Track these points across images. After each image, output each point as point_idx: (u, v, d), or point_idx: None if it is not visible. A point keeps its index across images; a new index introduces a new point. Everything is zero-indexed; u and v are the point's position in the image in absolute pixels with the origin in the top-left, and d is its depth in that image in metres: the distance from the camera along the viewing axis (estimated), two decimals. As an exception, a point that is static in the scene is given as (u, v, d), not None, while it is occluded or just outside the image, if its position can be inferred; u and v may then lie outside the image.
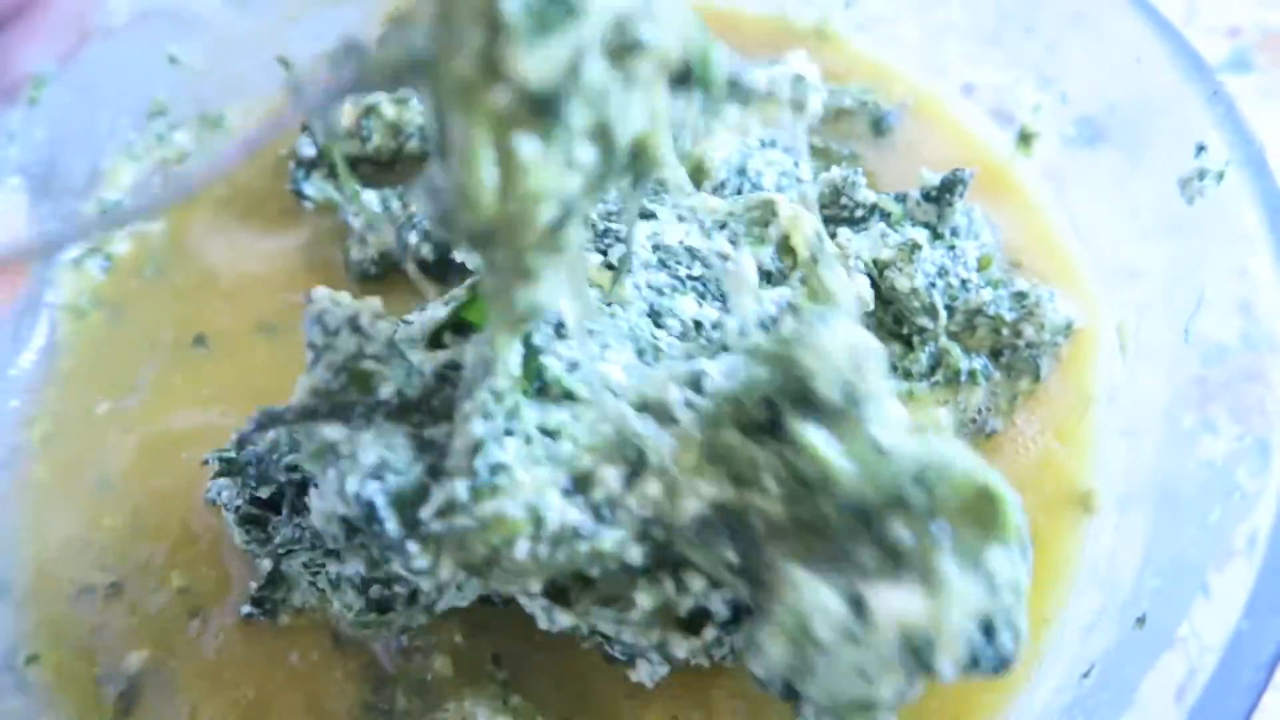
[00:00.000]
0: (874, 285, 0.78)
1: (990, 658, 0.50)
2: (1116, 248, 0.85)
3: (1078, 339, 0.82)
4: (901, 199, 0.82)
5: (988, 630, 0.50)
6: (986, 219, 0.85)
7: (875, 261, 0.79)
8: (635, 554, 0.56)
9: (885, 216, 0.82)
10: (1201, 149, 0.74)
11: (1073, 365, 0.82)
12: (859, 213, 0.82)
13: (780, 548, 0.54)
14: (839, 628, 0.50)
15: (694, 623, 0.60)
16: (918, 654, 0.50)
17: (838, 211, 0.82)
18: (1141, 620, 0.63)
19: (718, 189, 0.83)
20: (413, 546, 0.56)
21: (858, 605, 0.50)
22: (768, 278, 0.71)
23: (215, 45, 1.01)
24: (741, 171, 0.83)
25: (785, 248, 0.72)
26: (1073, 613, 0.71)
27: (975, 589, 0.50)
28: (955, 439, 0.55)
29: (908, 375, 0.78)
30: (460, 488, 0.55)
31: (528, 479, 0.56)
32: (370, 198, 0.89)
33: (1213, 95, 0.73)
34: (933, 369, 0.78)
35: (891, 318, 0.80)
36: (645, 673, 0.63)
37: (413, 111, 0.93)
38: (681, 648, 0.60)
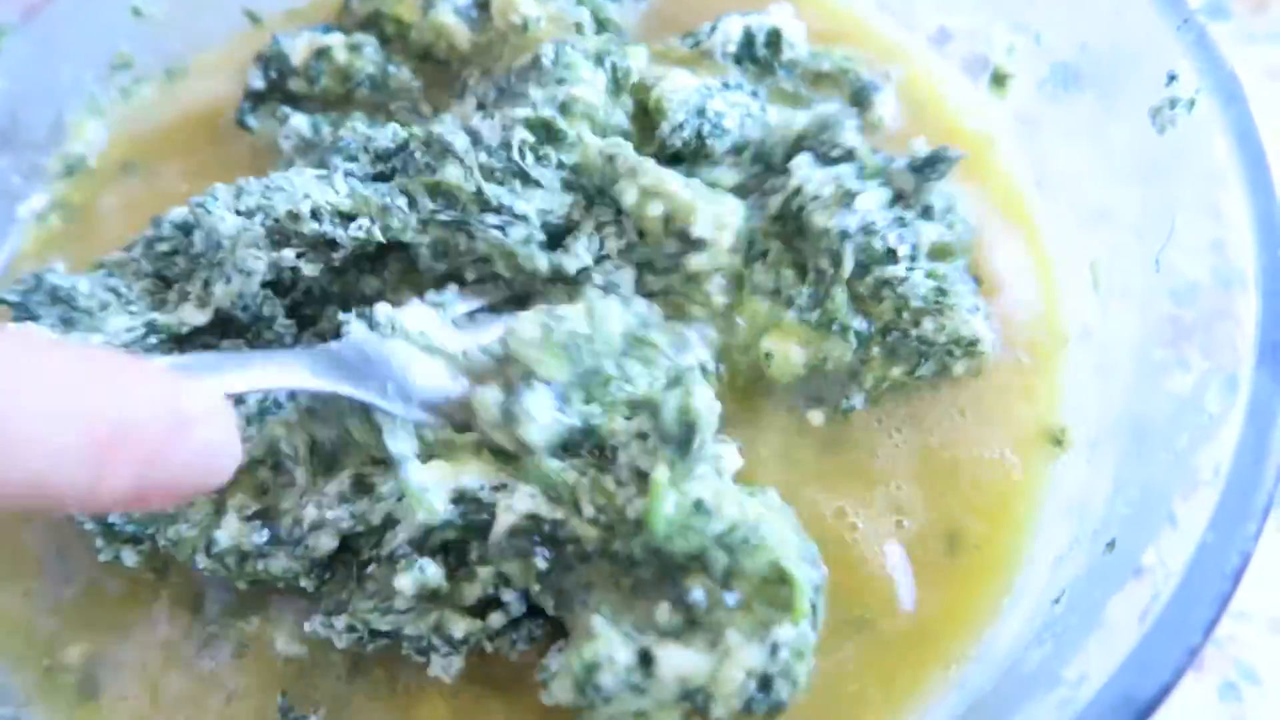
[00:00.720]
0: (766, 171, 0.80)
1: (762, 706, 0.56)
2: (1090, 189, 0.84)
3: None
4: (887, 159, 0.79)
5: (765, 684, 0.56)
6: (966, 214, 0.81)
7: (799, 191, 0.77)
8: (308, 582, 0.68)
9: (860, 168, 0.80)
10: (1173, 78, 0.73)
11: (1046, 303, 0.81)
12: (835, 152, 0.80)
13: (587, 575, 0.59)
14: (624, 680, 0.56)
15: (481, 610, 0.65)
16: (694, 702, 0.55)
17: (816, 144, 0.80)
18: (1111, 545, 0.63)
19: (675, 130, 0.81)
20: (100, 541, 0.70)
21: (646, 660, 0.56)
22: None
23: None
24: (701, 112, 0.82)
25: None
26: (1045, 546, 0.71)
27: (758, 654, 0.55)
28: (782, 513, 0.61)
29: (788, 303, 0.75)
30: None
31: (203, 502, 0.68)
32: (300, 121, 0.88)
33: (1183, 24, 0.72)
34: (813, 307, 0.75)
35: (802, 251, 0.77)
36: (439, 666, 0.66)
37: (365, 60, 0.92)
38: (459, 628, 0.65)
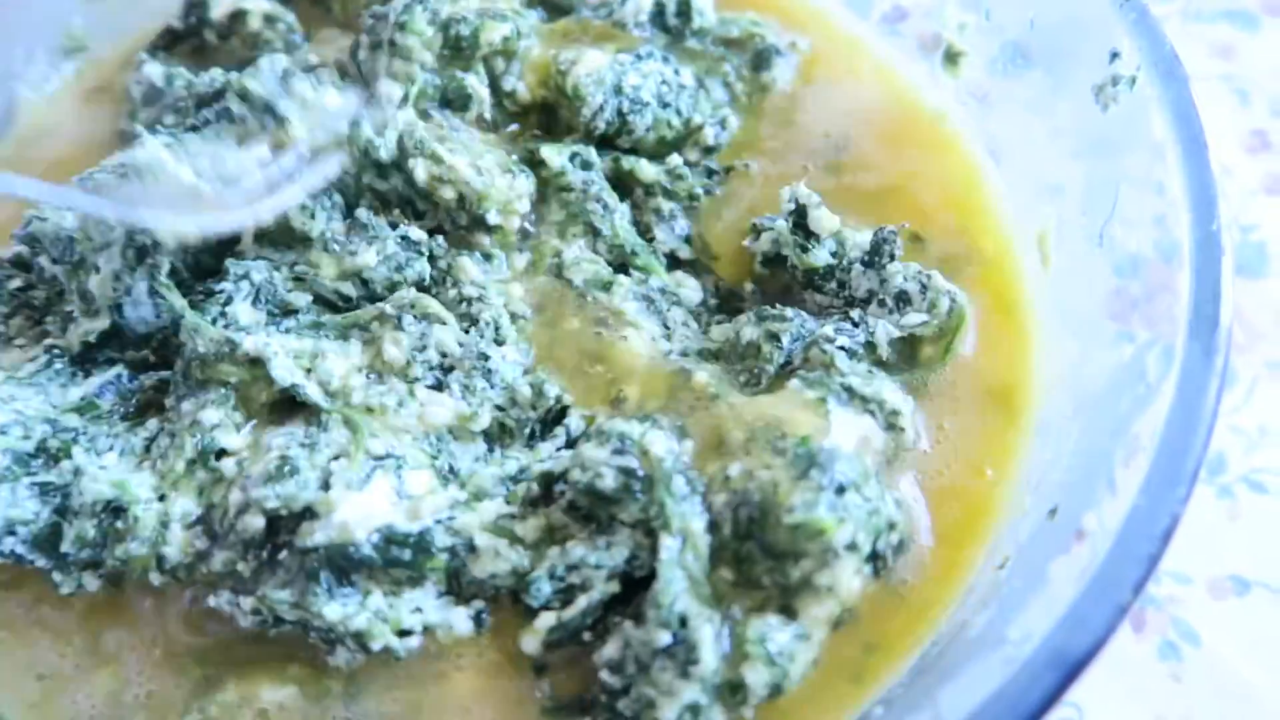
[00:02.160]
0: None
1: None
2: (1039, 165, 0.85)
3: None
4: (843, 269, 0.78)
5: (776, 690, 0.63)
6: (948, 287, 0.77)
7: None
8: (245, 566, 0.68)
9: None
10: (1115, 55, 0.75)
11: (995, 278, 0.83)
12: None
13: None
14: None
15: None
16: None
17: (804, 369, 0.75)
18: (1053, 512, 0.65)
19: (596, 113, 0.83)
20: (58, 576, 0.69)
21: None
22: None
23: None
24: (618, 90, 0.83)
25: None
26: (996, 517, 0.72)
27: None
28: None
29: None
30: (88, 527, 0.68)
31: (151, 518, 0.69)
32: (154, 70, 0.91)
33: (1125, 3, 0.74)
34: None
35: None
36: (343, 657, 0.67)
37: (275, 34, 0.94)
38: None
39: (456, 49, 0.83)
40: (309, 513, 0.66)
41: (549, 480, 0.69)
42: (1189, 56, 0.75)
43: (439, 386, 0.73)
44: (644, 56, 0.86)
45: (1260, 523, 0.86)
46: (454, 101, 0.84)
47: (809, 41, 0.94)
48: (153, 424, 0.73)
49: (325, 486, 0.66)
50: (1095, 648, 0.50)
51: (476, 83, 0.84)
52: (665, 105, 0.85)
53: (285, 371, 0.70)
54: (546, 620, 0.64)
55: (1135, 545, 0.53)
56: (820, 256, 0.77)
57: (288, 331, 0.74)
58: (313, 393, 0.70)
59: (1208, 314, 0.61)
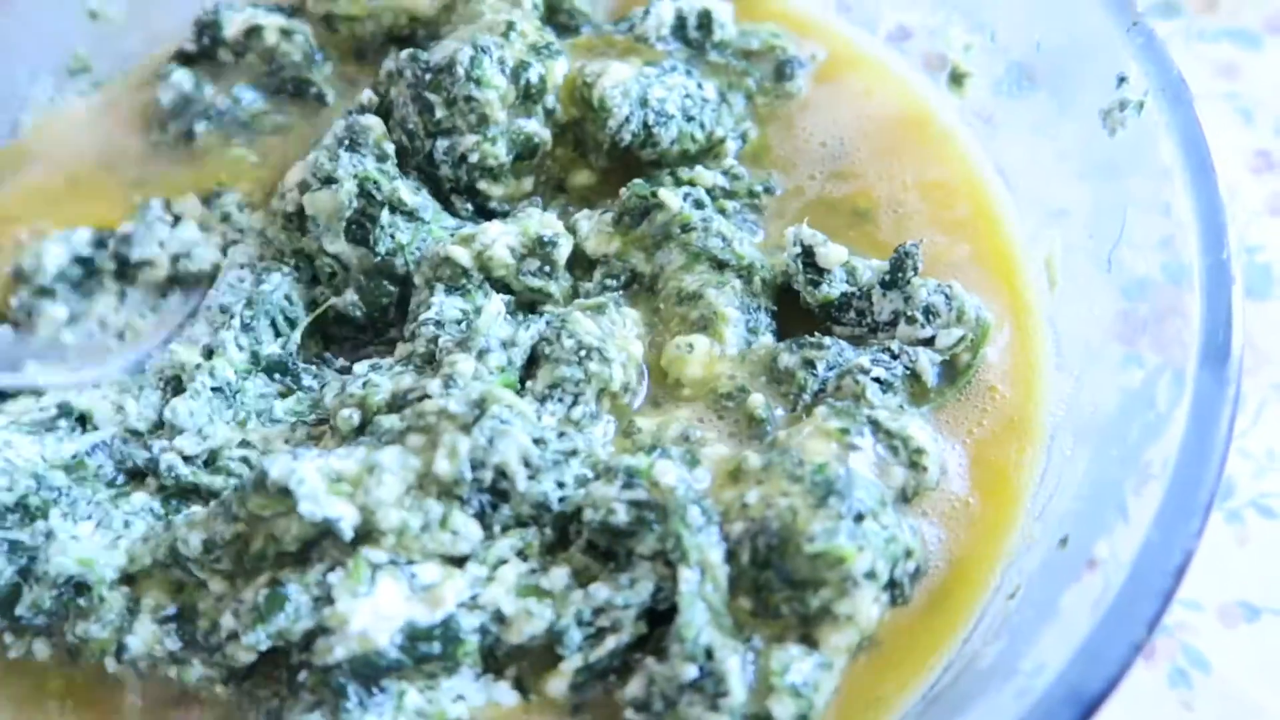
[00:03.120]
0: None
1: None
2: (1045, 188, 0.85)
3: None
4: (860, 297, 0.78)
5: None
6: (969, 296, 0.78)
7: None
8: (224, 691, 0.66)
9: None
10: (1122, 80, 0.75)
11: (1007, 298, 0.82)
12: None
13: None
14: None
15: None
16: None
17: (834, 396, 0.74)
18: (1064, 541, 0.65)
19: (622, 125, 0.83)
20: (9, 638, 0.68)
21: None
22: None
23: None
24: (644, 102, 0.83)
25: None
26: (1007, 544, 0.71)
27: None
28: None
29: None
30: (46, 597, 0.66)
31: (117, 601, 0.66)
32: (182, 76, 0.93)
33: (1132, 27, 0.74)
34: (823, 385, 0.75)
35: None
36: None
37: (293, 46, 0.93)
38: None
39: (527, 96, 0.83)
40: (320, 629, 0.62)
41: (563, 522, 0.67)
42: (1192, 76, 0.75)
43: (481, 515, 0.66)
44: (668, 70, 0.86)
45: (1269, 548, 0.86)
46: (523, 154, 0.84)
47: (826, 53, 0.94)
48: (137, 500, 0.71)
49: (327, 600, 0.62)
50: (1111, 685, 0.50)
51: (539, 126, 0.84)
52: (689, 118, 0.85)
53: (315, 505, 0.63)
54: (573, 662, 0.63)
55: (1149, 580, 0.52)
56: (834, 289, 0.77)
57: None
58: (348, 528, 0.63)
59: (1219, 343, 0.61)
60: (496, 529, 0.66)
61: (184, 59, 0.96)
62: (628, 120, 0.83)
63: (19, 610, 0.67)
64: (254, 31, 0.93)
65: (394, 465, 0.64)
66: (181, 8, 0.99)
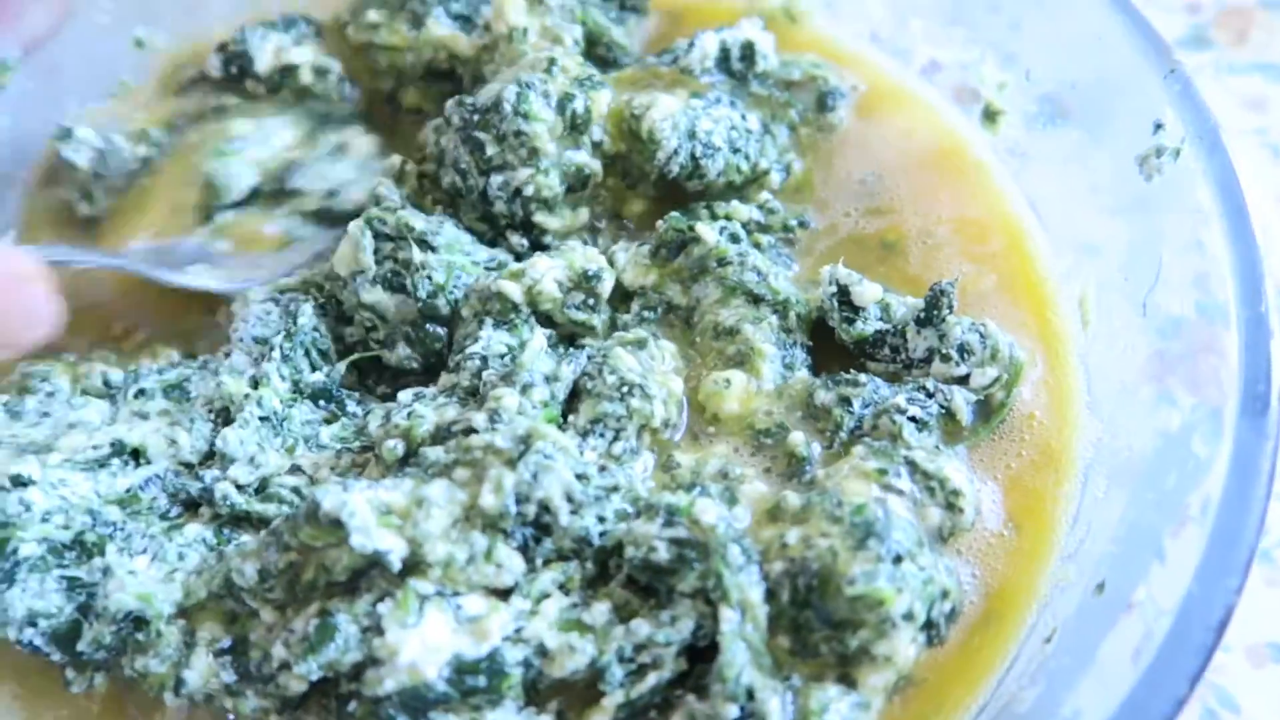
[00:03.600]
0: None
1: None
2: (1077, 224, 0.86)
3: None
4: (895, 334, 0.79)
5: None
6: (1004, 334, 0.78)
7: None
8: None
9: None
10: (1159, 127, 0.76)
11: (1040, 335, 0.83)
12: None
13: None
14: None
15: None
16: None
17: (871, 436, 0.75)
18: (1101, 587, 0.65)
19: (671, 157, 0.84)
20: (71, 673, 0.70)
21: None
22: None
23: (180, 28, 1.01)
24: (691, 135, 0.85)
25: None
26: (1042, 582, 0.72)
27: None
28: None
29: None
30: (106, 633, 0.67)
31: (174, 635, 0.68)
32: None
33: (1170, 74, 0.75)
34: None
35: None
36: None
37: (327, 85, 0.96)
38: None
39: (573, 127, 0.84)
40: (370, 659, 0.63)
41: (604, 556, 0.69)
42: (1221, 110, 0.76)
43: (524, 548, 0.67)
44: (714, 102, 0.87)
45: (1299, 587, 0.86)
46: (575, 186, 0.85)
47: (866, 85, 0.95)
48: (190, 531, 0.72)
49: (376, 630, 0.63)
50: (1153, 740, 0.51)
51: (588, 157, 0.85)
52: (735, 150, 0.87)
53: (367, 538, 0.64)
54: (615, 698, 0.64)
55: (1191, 635, 0.53)
56: (868, 326, 0.78)
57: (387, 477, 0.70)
58: (396, 560, 0.64)
59: (1259, 393, 0.62)
60: (539, 562, 0.68)
61: (208, 82, 0.96)
62: (676, 152, 0.84)
63: (80, 646, 0.68)
64: (289, 70, 0.94)
65: (441, 499, 0.65)
66: (223, 32, 1.01)
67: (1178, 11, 1.16)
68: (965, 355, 0.77)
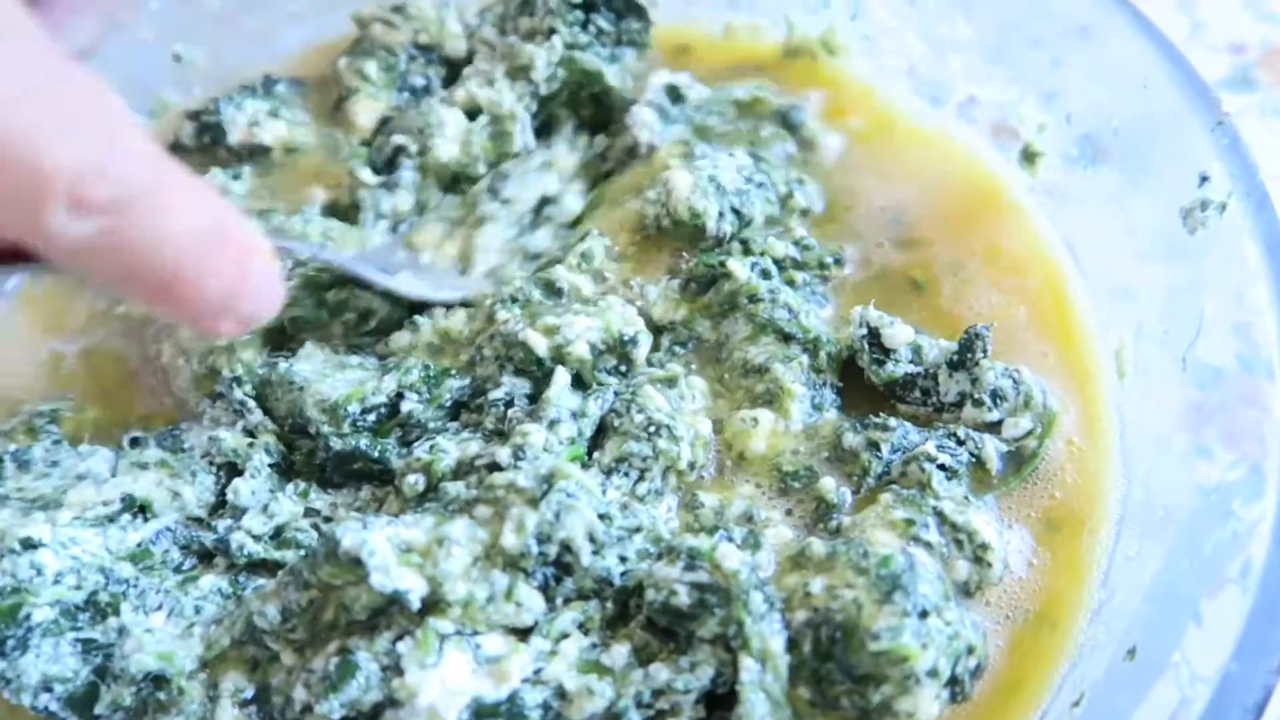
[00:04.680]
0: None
1: None
2: (1114, 269, 0.85)
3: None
4: (927, 377, 0.78)
5: None
6: (1038, 381, 0.78)
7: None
8: None
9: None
10: (1205, 179, 0.74)
11: (1075, 382, 0.82)
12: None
13: None
14: None
15: None
16: None
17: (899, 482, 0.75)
18: (1132, 652, 0.64)
19: (719, 220, 0.83)
20: None
21: None
22: None
23: (218, 43, 1.02)
24: (720, 189, 0.84)
25: None
26: (1066, 640, 0.71)
27: None
28: None
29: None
30: (126, 694, 0.66)
31: (196, 691, 0.66)
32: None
33: (1217, 126, 0.74)
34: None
35: None
36: None
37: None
38: None
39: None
40: (389, 700, 0.62)
41: (624, 596, 0.68)
42: (1265, 152, 0.74)
43: (545, 588, 0.66)
44: (702, 155, 0.87)
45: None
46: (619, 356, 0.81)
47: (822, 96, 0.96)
48: (206, 583, 0.71)
49: (396, 670, 0.62)
50: (1188, 823, 0.49)
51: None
52: (759, 185, 0.86)
53: (387, 578, 0.63)
54: None
55: (1227, 715, 0.52)
56: (899, 368, 0.77)
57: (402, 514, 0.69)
58: (415, 599, 0.63)
59: (1304, 464, 0.60)
60: (559, 601, 0.67)
61: (181, 150, 0.95)
62: (722, 214, 0.83)
63: (98, 710, 0.66)
64: (257, 149, 0.94)
65: (462, 537, 0.65)
66: (257, 52, 1.02)
67: (1222, 52, 1.15)
68: (998, 401, 0.76)
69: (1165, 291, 0.80)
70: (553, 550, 0.66)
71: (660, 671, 0.64)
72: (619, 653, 0.65)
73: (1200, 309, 0.75)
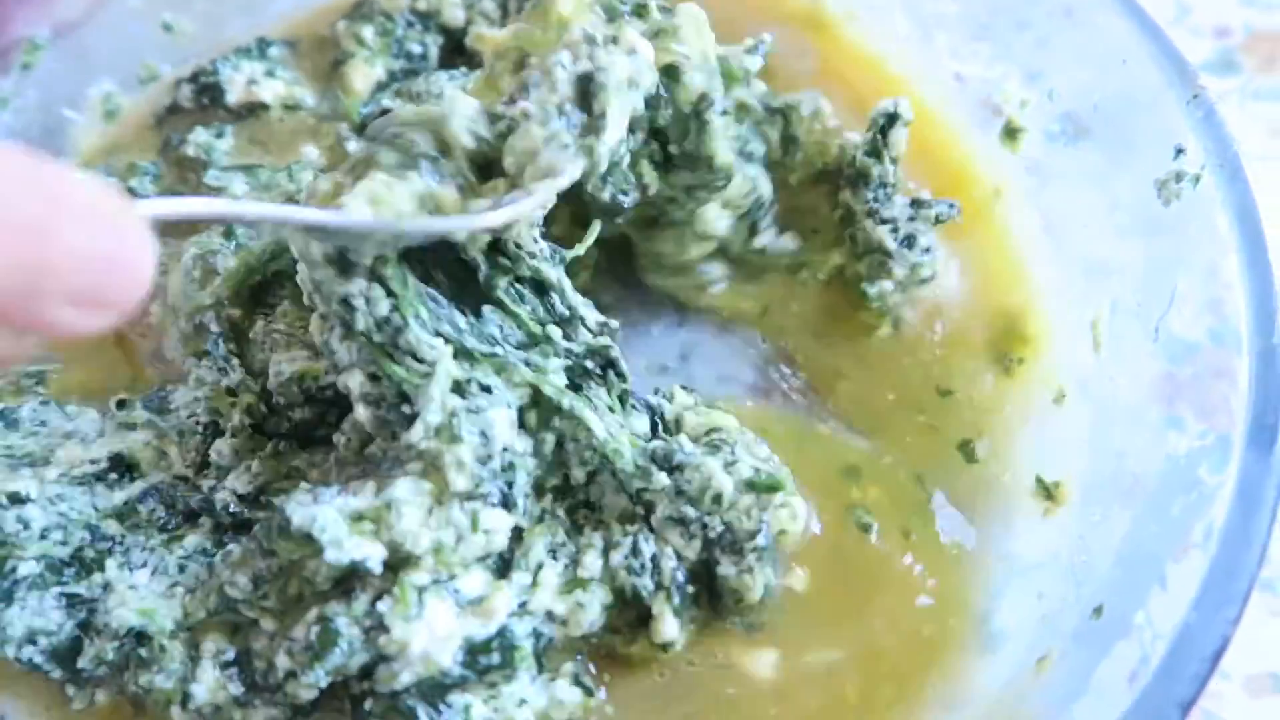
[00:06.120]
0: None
1: None
2: (1093, 243, 0.86)
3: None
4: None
5: None
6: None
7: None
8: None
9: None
10: (1180, 152, 0.75)
11: (1046, 359, 0.83)
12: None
13: None
14: None
15: None
16: None
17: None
18: (1099, 610, 0.65)
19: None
20: (71, 689, 0.68)
21: None
22: None
23: (207, 11, 1.02)
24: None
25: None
26: (1030, 602, 0.72)
27: None
28: None
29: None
30: (108, 649, 0.66)
31: (178, 650, 0.66)
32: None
33: (1193, 99, 0.74)
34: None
35: None
36: None
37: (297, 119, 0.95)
38: None
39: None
40: (380, 657, 0.63)
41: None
42: (1247, 136, 0.75)
43: (505, 501, 0.66)
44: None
45: (1301, 618, 0.85)
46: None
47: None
48: (190, 542, 0.71)
49: (380, 629, 0.62)
50: (1142, 768, 0.51)
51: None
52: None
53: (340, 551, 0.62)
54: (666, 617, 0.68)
55: (1186, 665, 0.53)
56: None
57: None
58: (376, 564, 0.63)
59: (1268, 424, 0.62)
60: (521, 504, 0.67)
61: (173, 111, 0.95)
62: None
63: (81, 663, 0.67)
64: (257, 106, 0.94)
65: (408, 494, 0.64)
66: (246, 21, 1.01)
67: (1206, 35, 1.15)
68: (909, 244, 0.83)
69: (1141, 265, 0.81)
70: (498, 462, 0.65)
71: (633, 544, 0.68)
72: (591, 563, 0.67)
73: (1173, 282, 0.76)
